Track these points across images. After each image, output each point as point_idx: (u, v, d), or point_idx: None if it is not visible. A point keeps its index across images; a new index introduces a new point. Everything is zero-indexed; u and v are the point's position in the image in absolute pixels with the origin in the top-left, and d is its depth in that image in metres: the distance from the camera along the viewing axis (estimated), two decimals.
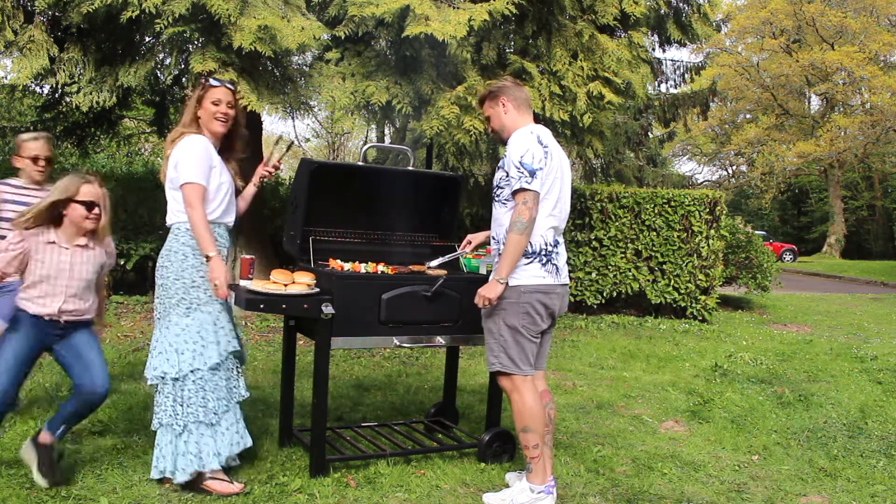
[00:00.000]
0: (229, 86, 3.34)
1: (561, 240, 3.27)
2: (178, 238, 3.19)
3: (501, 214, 3.19)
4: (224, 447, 3.16)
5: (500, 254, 3.14)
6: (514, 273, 3.09)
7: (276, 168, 3.60)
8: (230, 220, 3.36)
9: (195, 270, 3.16)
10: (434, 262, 3.77)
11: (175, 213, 3.21)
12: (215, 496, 3.07)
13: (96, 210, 3.13)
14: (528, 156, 3.05)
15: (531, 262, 3.11)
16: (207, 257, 3.10)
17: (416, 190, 3.87)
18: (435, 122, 6.61)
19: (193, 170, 3.13)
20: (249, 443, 3.30)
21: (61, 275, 3.11)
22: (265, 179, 3.60)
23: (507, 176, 3.11)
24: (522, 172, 3.03)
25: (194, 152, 3.16)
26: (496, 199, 3.23)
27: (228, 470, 3.26)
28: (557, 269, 3.19)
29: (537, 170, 3.04)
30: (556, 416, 4.48)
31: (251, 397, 4.50)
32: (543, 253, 3.13)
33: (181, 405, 3.11)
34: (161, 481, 3.17)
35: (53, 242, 3.10)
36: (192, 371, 3.11)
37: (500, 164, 3.21)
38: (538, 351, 3.28)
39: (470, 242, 3.73)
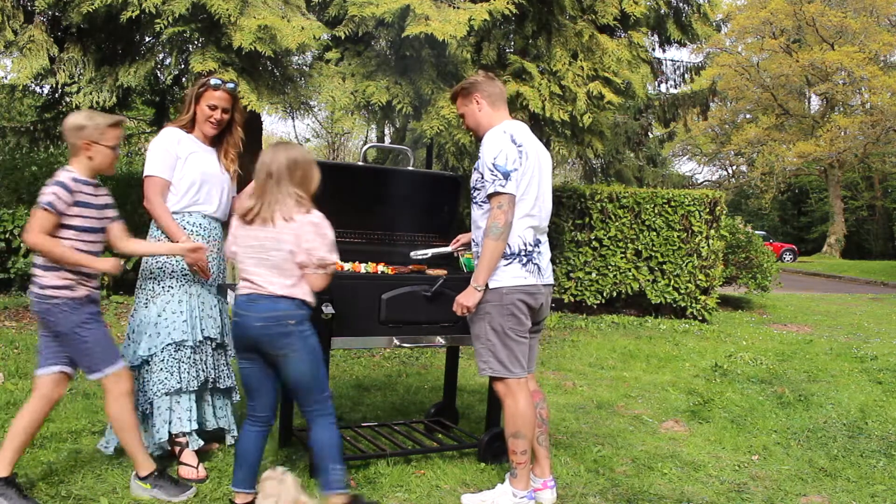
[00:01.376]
0: (229, 89, 3.38)
1: (543, 239, 3.18)
2: (150, 231, 3.40)
3: (479, 217, 3.11)
4: (161, 427, 3.26)
5: (478, 258, 3.06)
6: (495, 275, 3.01)
7: None
8: (209, 209, 3.42)
9: (153, 260, 3.34)
10: (417, 252, 3.70)
11: None
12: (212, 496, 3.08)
13: None
14: (501, 157, 2.95)
15: (510, 264, 3.02)
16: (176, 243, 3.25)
17: (415, 190, 3.87)
18: (435, 122, 6.61)
19: (150, 164, 3.32)
20: (186, 428, 3.29)
21: None
22: None
23: (483, 178, 3.02)
24: (496, 175, 2.93)
25: (155, 146, 3.35)
26: (473, 201, 3.15)
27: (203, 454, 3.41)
28: (539, 268, 3.11)
29: (511, 171, 2.94)
30: (557, 417, 4.50)
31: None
32: (523, 253, 3.04)
33: (140, 390, 3.30)
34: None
35: None
36: (144, 361, 3.28)
37: (476, 165, 3.12)
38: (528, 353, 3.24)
39: (459, 240, 3.67)
